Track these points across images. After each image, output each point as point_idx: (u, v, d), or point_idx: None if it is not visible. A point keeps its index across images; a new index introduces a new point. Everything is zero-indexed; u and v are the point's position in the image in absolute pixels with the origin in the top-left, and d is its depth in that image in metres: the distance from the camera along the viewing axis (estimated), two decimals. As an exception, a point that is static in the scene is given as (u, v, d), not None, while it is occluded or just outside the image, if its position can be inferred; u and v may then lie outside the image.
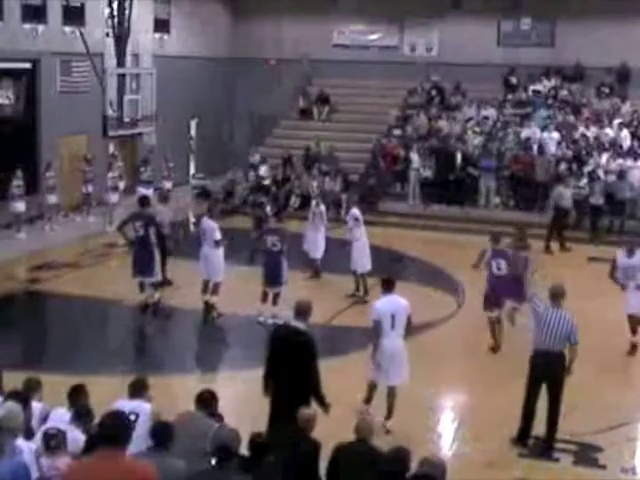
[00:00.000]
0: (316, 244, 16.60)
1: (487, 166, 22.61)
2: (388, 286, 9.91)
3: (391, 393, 9.88)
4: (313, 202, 17.36)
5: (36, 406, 6.85)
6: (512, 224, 21.13)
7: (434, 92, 26.44)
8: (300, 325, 8.43)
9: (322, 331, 13.26)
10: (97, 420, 6.01)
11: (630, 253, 12.81)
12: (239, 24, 29.37)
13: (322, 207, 17.12)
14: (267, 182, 23.65)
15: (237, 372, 11.94)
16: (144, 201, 14.89)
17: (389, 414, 9.76)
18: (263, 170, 23.93)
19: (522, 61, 26.05)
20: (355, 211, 15.53)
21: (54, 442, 6.07)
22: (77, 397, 7.10)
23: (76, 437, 6.46)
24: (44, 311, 15.67)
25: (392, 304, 9.73)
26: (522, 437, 9.42)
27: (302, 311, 8.50)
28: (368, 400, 9.95)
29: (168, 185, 23.10)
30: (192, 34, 27.21)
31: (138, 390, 7.21)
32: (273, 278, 13.72)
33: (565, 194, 20.26)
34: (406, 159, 23.59)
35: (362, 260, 15.15)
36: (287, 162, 24.31)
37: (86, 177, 21.28)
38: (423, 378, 11.55)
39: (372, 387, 9.97)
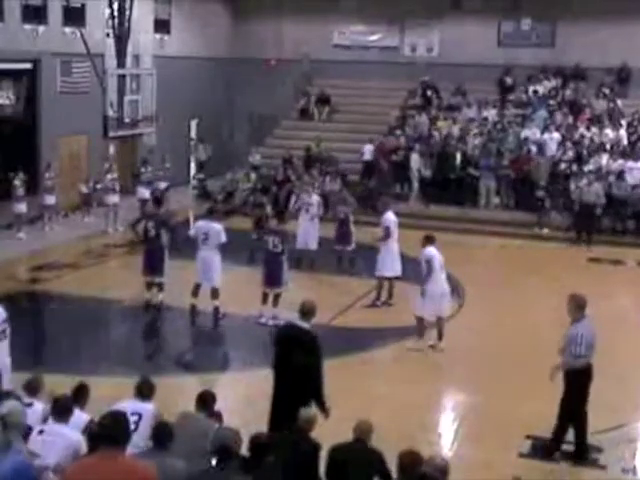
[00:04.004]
0: (313, 235, 16.89)
1: (487, 166, 22.63)
2: (431, 240, 12.40)
3: (441, 321, 12.54)
4: (304, 195, 17.53)
5: (38, 406, 6.85)
6: (512, 224, 21.47)
7: (429, 92, 26.44)
8: (305, 325, 8.44)
9: (322, 331, 13.26)
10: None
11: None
12: (239, 24, 29.38)
13: (315, 197, 17.38)
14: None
15: (238, 373, 11.95)
16: (158, 201, 14.92)
17: (440, 337, 12.51)
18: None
19: (522, 61, 26.06)
20: (389, 215, 14.68)
21: None
22: (81, 397, 7.12)
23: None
24: (44, 311, 15.67)
25: (438, 253, 12.34)
26: (558, 445, 9.23)
27: (307, 311, 8.50)
28: (422, 334, 12.59)
29: (163, 186, 23.13)
30: (192, 34, 27.23)
31: (143, 392, 7.18)
32: (273, 279, 13.65)
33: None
34: (406, 158, 23.60)
35: (383, 266, 14.58)
36: (287, 162, 24.31)
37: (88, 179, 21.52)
38: (423, 378, 11.58)
39: (421, 320, 12.56)
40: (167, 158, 23.34)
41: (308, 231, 16.93)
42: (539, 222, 21.40)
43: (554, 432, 9.19)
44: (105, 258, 18.31)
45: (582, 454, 9.19)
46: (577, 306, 8.88)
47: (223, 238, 13.44)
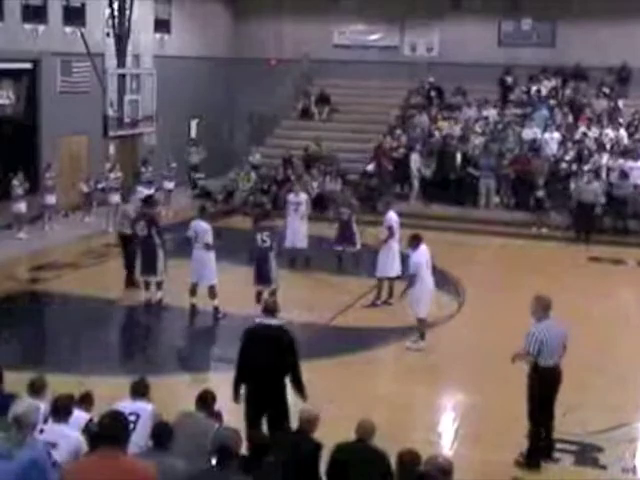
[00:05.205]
0: (303, 234, 16.88)
1: (487, 166, 22.62)
2: (418, 241, 12.43)
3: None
4: (291, 195, 17.54)
5: (41, 408, 6.83)
6: (512, 224, 21.47)
7: (433, 93, 26.46)
8: (276, 322, 8.47)
9: (323, 331, 13.28)
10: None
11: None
12: (239, 24, 29.39)
13: (303, 195, 17.43)
14: None
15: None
16: (148, 201, 14.95)
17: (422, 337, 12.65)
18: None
19: (522, 61, 26.05)
20: (391, 215, 14.79)
21: None
22: (84, 402, 7.14)
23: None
24: (44, 311, 15.67)
25: (424, 254, 12.44)
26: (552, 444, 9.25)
27: (272, 308, 8.56)
28: (423, 335, 12.62)
29: (170, 185, 23.22)
30: (192, 34, 27.23)
31: (139, 391, 7.20)
32: (262, 276, 13.71)
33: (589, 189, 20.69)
34: (406, 158, 23.60)
35: (384, 265, 14.62)
36: (287, 162, 24.32)
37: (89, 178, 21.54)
38: (423, 378, 11.58)
39: (422, 321, 12.64)
40: (172, 158, 23.43)
41: (297, 230, 16.91)
42: (538, 222, 21.40)
43: (545, 432, 9.18)
44: (105, 258, 18.29)
45: (530, 457, 9.03)
46: (541, 307, 8.95)
47: (208, 238, 13.68)
